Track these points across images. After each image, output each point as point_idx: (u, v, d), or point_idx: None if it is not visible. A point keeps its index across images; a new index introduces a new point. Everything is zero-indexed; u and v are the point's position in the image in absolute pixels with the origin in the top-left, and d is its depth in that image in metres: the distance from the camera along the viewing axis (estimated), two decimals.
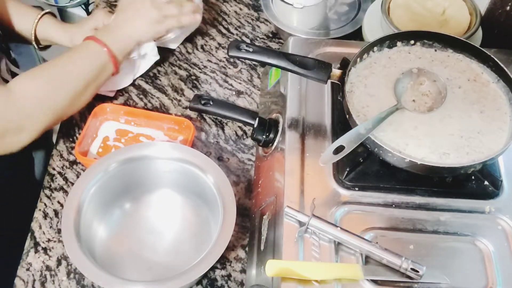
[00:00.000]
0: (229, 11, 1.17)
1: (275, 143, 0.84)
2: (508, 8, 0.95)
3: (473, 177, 0.76)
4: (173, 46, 1.07)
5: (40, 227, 0.86)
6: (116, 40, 0.90)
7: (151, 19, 0.93)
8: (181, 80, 1.05)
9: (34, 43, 0.98)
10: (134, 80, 1.04)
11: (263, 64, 0.95)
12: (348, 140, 0.69)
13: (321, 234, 0.70)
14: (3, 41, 0.94)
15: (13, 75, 0.94)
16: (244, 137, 0.96)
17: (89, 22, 1.00)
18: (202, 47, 1.10)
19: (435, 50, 0.83)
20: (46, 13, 0.98)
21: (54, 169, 0.92)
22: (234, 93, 1.03)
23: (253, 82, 1.04)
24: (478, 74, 0.80)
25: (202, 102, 0.91)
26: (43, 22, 0.97)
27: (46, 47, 1.02)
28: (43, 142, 1.01)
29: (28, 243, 0.84)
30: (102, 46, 0.88)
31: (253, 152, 0.94)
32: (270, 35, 1.13)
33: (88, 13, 1.17)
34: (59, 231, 0.85)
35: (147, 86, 1.04)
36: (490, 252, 0.70)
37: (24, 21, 0.97)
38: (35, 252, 0.83)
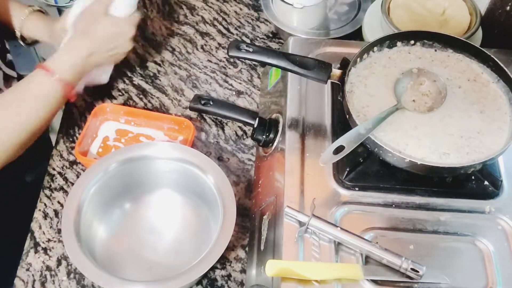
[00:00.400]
0: (229, 11, 1.17)
1: (275, 143, 0.84)
2: (508, 8, 0.95)
3: (473, 177, 0.76)
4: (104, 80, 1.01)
5: (40, 227, 0.85)
6: (68, 65, 0.84)
7: (107, 39, 0.88)
8: (181, 80, 1.05)
9: (20, 39, 0.97)
10: (133, 81, 1.04)
11: (263, 64, 0.95)
12: (348, 140, 0.69)
13: (321, 234, 0.70)
14: None
15: (8, 79, 0.94)
16: (244, 137, 0.96)
17: (60, 22, 0.95)
18: (202, 47, 1.10)
19: (435, 50, 0.83)
20: (36, 10, 0.97)
21: (54, 169, 0.92)
22: (234, 93, 1.03)
23: (253, 82, 1.04)
24: (478, 74, 0.80)
25: (202, 102, 0.91)
26: (30, 19, 0.96)
27: (34, 42, 1.00)
28: (42, 144, 1.01)
29: (28, 243, 0.84)
30: (51, 75, 0.81)
31: (253, 152, 0.94)
32: (270, 35, 1.13)
33: None
34: (59, 231, 0.85)
35: (147, 86, 1.04)
36: (490, 252, 0.70)
37: (14, 18, 0.95)
38: (35, 252, 0.83)
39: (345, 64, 0.79)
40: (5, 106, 0.80)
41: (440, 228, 0.72)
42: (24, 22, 0.95)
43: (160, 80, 1.05)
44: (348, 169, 0.75)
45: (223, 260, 0.82)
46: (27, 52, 1.65)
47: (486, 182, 0.75)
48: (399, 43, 0.83)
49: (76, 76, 0.86)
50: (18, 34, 0.96)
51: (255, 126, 0.86)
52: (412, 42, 0.83)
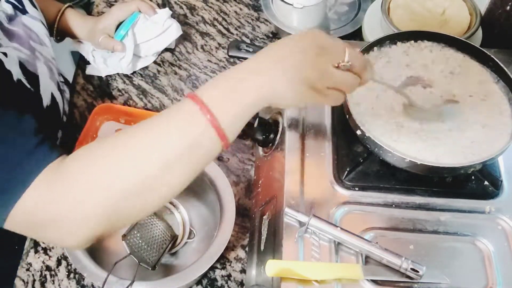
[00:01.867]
0: (229, 11, 1.17)
1: (275, 143, 0.84)
2: (508, 8, 0.95)
3: (473, 177, 0.76)
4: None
5: None
6: (229, 104, 0.56)
7: (303, 81, 0.55)
8: (181, 80, 1.05)
9: (54, 36, 0.99)
10: (133, 81, 1.04)
11: None
12: None
13: (321, 234, 0.70)
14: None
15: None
16: (244, 137, 0.96)
17: (102, 21, 0.99)
18: (202, 47, 1.10)
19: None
20: (68, 6, 1.00)
21: None
22: None
23: None
24: None
25: None
26: (65, 15, 0.99)
27: (62, 38, 1.03)
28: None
29: (28, 243, 0.84)
30: (202, 111, 0.55)
31: (253, 152, 0.94)
32: (270, 35, 1.13)
33: (89, 13, 1.16)
34: None
35: (147, 86, 1.04)
36: (490, 252, 0.70)
37: (48, 14, 0.97)
38: (35, 252, 0.83)
39: None
40: (134, 134, 0.58)
41: (440, 228, 0.72)
42: (59, 18, 0.98)
43: (160, 80, 1.05)
44: (348, 169, 0.75)
45: (223, 260, 0.82)
46: None
47: (486, 182, 0.75)
48: (399, 43, 0.83)
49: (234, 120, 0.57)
50: (53, 31, 0.98)
51: (255, 126, 0.86)
52: (412, 42, 0.83)
